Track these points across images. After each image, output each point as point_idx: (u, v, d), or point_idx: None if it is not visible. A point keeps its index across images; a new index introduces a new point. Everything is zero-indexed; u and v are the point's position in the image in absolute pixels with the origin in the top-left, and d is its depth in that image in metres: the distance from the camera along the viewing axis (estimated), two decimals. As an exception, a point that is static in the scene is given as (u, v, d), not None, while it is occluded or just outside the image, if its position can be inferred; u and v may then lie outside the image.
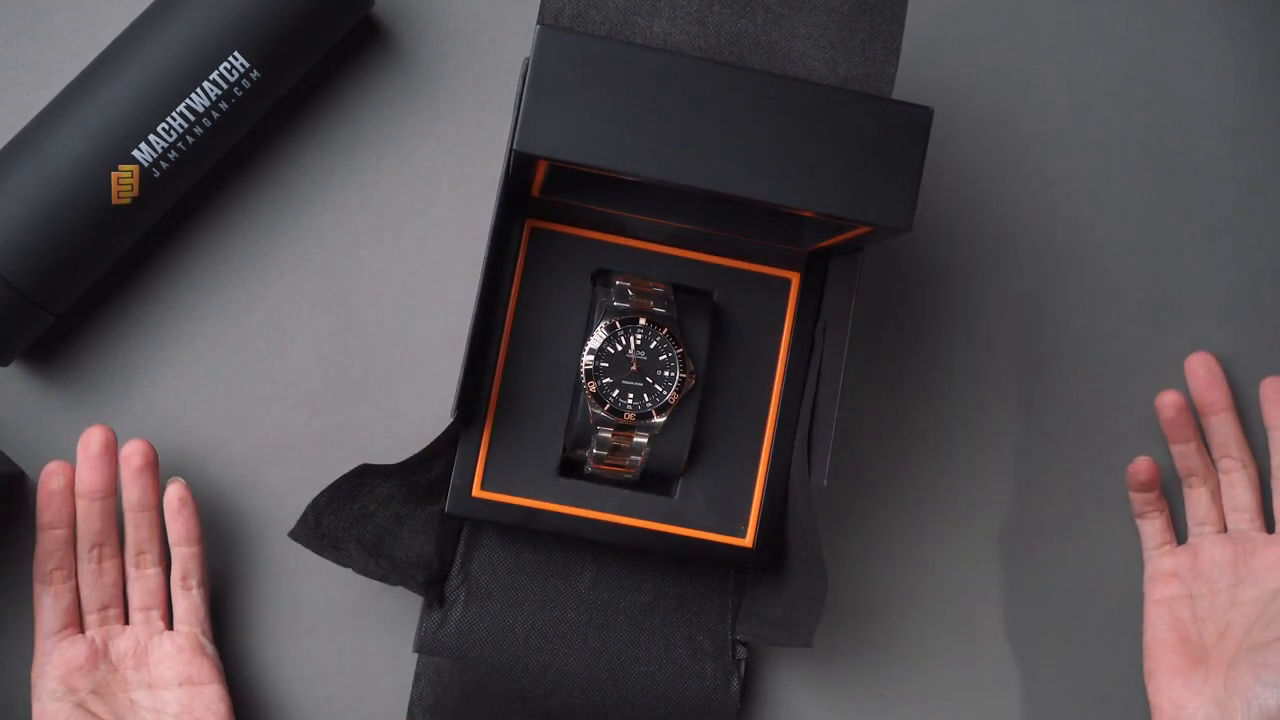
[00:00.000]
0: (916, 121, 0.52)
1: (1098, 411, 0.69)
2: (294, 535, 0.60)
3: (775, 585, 0.63)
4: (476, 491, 0.61)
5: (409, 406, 0.66)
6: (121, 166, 0.60)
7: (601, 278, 0.62)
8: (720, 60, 0.54)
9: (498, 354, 0.61)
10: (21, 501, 0.65)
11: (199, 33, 0.60)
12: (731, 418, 0.62)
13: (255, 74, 0.61)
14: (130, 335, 0.66)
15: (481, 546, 0.64)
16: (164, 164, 0.61)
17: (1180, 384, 0.70)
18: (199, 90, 0.60)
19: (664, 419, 0.60)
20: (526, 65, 0.54)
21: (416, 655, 0.65)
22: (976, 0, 0.69)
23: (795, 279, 0.62)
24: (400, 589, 0.66)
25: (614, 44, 0.51)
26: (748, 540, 0.62)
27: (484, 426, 0.61)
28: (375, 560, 0.61)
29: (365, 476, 0.60)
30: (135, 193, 0.61)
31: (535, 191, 0.59)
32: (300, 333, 0.66)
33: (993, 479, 0.69)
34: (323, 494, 0.60)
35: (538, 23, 0.53)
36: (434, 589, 0.63)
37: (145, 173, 0.60)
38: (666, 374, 0.60)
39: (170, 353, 0.66)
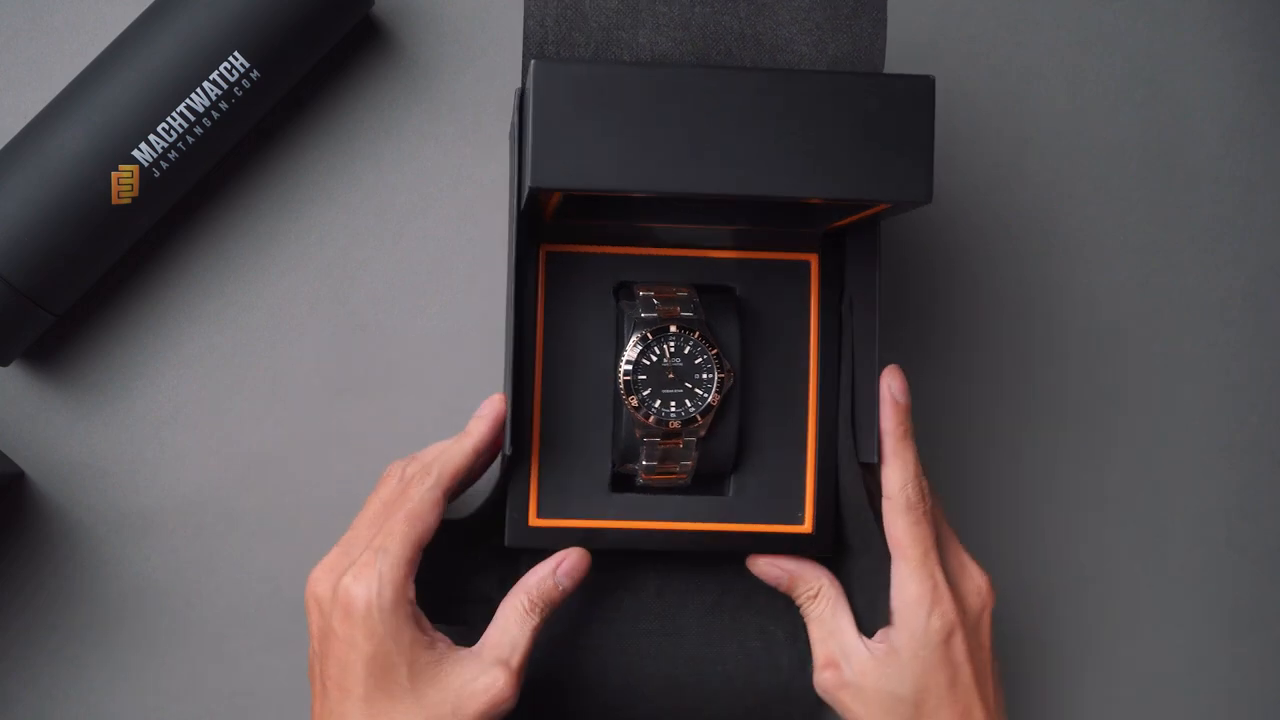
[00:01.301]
0: (920, 92, 0.52)
1: (1096, 412, 0.69)
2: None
3: (840, 566, 0.62)
4: (533, 521, 0.60)
5: (409, 406, 0.66)
6: (122, 166, 0.60)
7: (624, 290, 0.62)
8: (712, 62, 0.54)
9: (533, 382, 0.61)
10: (21, 501, 0.65)
11: (199, 33, 0.60)
12: (773, 407, 0.62)
13: (255, 74, 0.61)
14: (130, 335, 0.66)
15: None
16: (164, 164, 0.61)
17: (1179, 385, 0.70)
18: (199, 90, 0.60)
19: (709, 420, 0.60)
20: (521, 97, 0.54)
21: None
22: (976, 1, 0.69)
23: (814, 260, 0.62)
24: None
25: (610, 66, 0.51)
26: (807, 526, 0.61)
27: (530, 455, 0.61)
28: (444, 609, 0.61)
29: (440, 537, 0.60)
30: (135, 193, 0.61)
31: (547, 219, 0.59)
32: (300, 333, 0.66)
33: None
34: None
35: (528, 56, 0.53)
36: None
37: (145, 173, 0.60)
38: (705, 376, 0.60)
39: (170, 353, 0.66)
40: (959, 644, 0.59)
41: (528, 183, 0.51)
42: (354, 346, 0.66)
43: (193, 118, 0.60)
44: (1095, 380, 0.70)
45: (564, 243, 0.61)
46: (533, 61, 0.51)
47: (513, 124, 0.57)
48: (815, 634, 0.61)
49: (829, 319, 0.62)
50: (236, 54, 0.60)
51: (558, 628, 0.63)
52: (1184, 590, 0.70)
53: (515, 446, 0.59)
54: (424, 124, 0.67)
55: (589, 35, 0.54)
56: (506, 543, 0.60)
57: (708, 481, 0.62)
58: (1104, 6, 0.70)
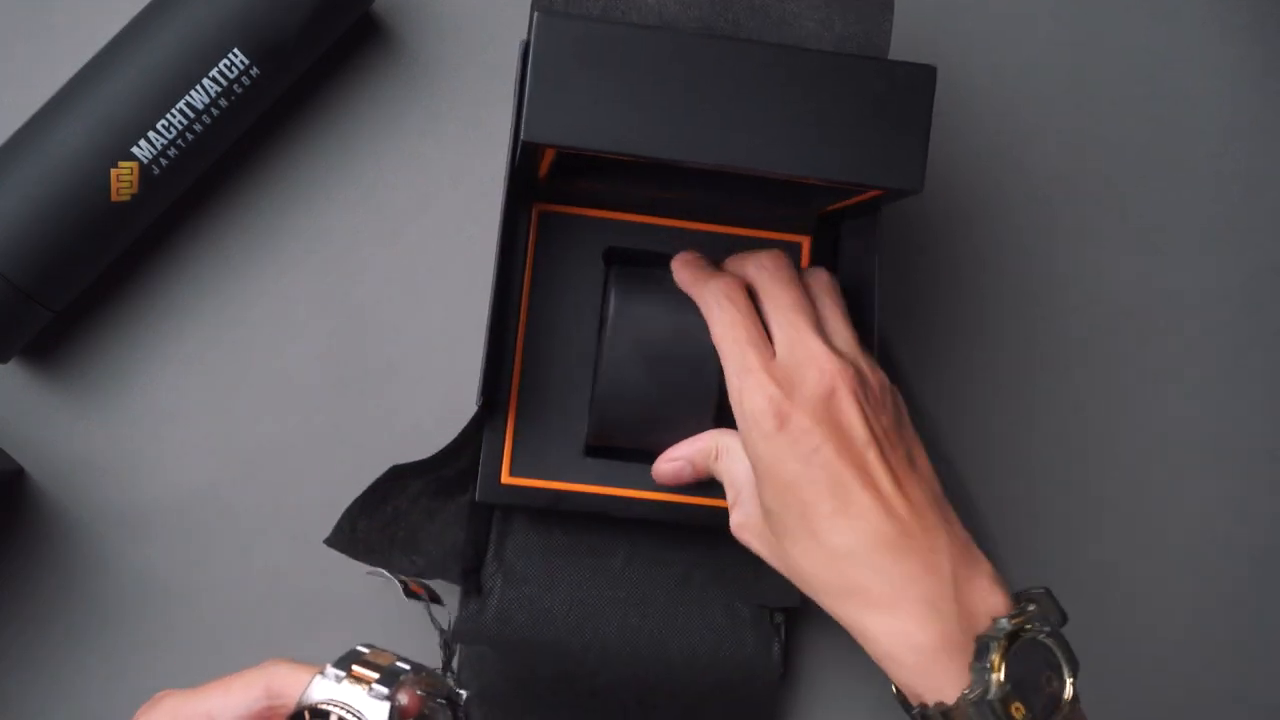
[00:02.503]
0: (920, 80, 0.52)
1: (1095, 412, 0.69)
2: (330, 543, 0.61)
3: None
4: (505, 478, 0.61)
5: (410, 404, 0.66)
6: (121, 163, 0.60)
7: (612, 256, 0.62)
8: (719, 32, 0.54)
9: (515, 340, 0.61)
10: (21, 498, 0.65)
11: (199, 30, 0.60)
12: None
13: (255, 71, 0.61)
14: (129, 332, 0.66)
15: (513, 532, 0.64)
16: (164, 161, 0.61)
17: (1178, 382, 0.70)
18: (199, 87, 0.60)
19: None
20: (525, 49, 0.54)
21: (458, 645, 0.65)
22: (976, -2, 0.70)
23: (806, 242, 0.62)
24: (435, 580, 0.66)
25: (614, 26, 0.51)
26: None
27: (508, 413, 0.61)
28: (410, 558, 0.62)
29: (396, 477, 0.61)
30: (135, 189, 0.61)
31: (542, 176, 0.59)
32: (300, 330, 0.66)
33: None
34: (356, 501, 0.60)
35: (534, 9, 0.53)
36: (471, 578, 0.64)
37: (145, 169, 0.60)
38: None
39: (170, 350, 0.66)
40: (800, 421, 0.52)
41: (521, 136, 0.51)
42: (353, 344, 0.67)
43: (192, 115, 0.61)
44: (1092, 376, 0.69)
45: (558, 203, 0.61)
46: (536, 13, 0.51)
47: (516, 78, 0.57)
48: (726, 490, 0.57)
49: None
50: (236, 51, 0.60)
51: (525, 589, 0.64)
52: (1180, 587, 0.70)
53: (491, 400, 0.60)
54: (424, 121, 0.67)
55: None
56: (477, 498, 0.61)
57: None
58: (1104, 4, 0.70)
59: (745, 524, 0.56)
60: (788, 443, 0.52)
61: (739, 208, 0.61)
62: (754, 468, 0.54)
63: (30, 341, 0.64)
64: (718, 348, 0.56)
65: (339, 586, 0.66)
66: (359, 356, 0.67)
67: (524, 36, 0.67)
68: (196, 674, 0.66)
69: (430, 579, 0.63)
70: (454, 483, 0.62)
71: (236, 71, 0.61)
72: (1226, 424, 0.70)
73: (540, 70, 0.51)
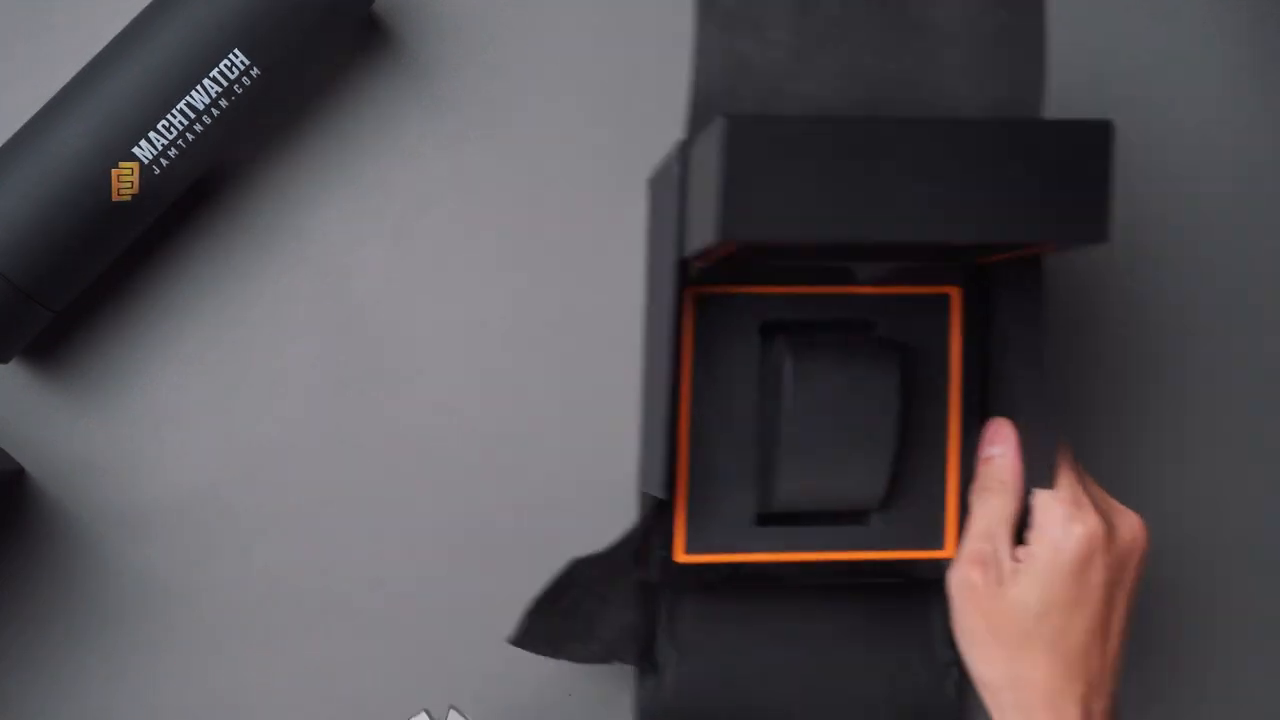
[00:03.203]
0: (1098, 135, 0.52)
1: (1096, 412, 0.69)
2: (515, 642, 0.61)
3: None
4: (679, 557, 0.61)
5: (408, 404, 0.67)
6: (122, 163, 0.60)
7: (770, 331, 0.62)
8: (877, 109, 0.54)
9: (678, 420, 0.61)
10: (21, 498, 0.65)
11: (199, 30, 0.60)
12: (911, 438, 0.62)
13: (255, 71, 0.61)
14: (130, 332, 0.66)
15: (684, 604, 0.64)
16: (164, 161, 0.61)
17: (1182, 384, 0.70)
18: (199, 88, 0.60)
19: None
20: (681, 149, 0.55)
21: None
22: None
23: (955, 292, 0.62)
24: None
25: (796, 121, 0.51)
26: (948, 550, 0.62)
27: (675, 492, 0.61)
28: (587, 645, 0.62)
29: (575, 571, 0.60)
30: (135, 190, 0.61)
31: (701, 264, 0.60)
32: (299, 330, 0.66)
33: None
34: (539, 599, 0.60)
35: (697, 107, 0.54)
36: (645, 656, 0.64)
37: (145, 170, 0.60)
38: None
39: (170, 349, 0.66)
40: (1098, 567, 0.57)
41: (711, 236, 0.51)
42: (353, 344, 0.67)
43: (193, 115, 0.61)
44: (1091, 378, 0.70)
45: (707, 284, 0.61)
46: (722, 118, 0.51)
47: (668, 173, 0.58)
48: (976, 524, 0.59)
49: (971, 350, 0.62)
50: (237, 51, 0.60)
51: (700, 660, 0.64)
52: (1183, 586, 0.70)
53: (672, 489, 0.61)
54: (424, 122, 0.67)
55: (754, 88, 0.55)
56: (655, 579, 0.61)
57: (850, 514, 0.63)
58: (1104, 4, 0.70)
59: (987, 594, 0.58)
60: (1079, 574, 0.56)
61: (888, 270, 0.61)
62: (1036, 564, 0.57)
63: (30, 341, 0.64)
64: (1061, 479, 0.58)
65: (339, 586, 0.66)
66: (359, 356, 0.67)
67: (528, 40, 0.67)
68: (196, 674, 0.66)
69: (606, 663, 0.63)
70: (624, 566, 0.62)
71: (237, 72, 0.61)
72: (1226, 424, 0.70)
73: (732, 172, 0.51)
